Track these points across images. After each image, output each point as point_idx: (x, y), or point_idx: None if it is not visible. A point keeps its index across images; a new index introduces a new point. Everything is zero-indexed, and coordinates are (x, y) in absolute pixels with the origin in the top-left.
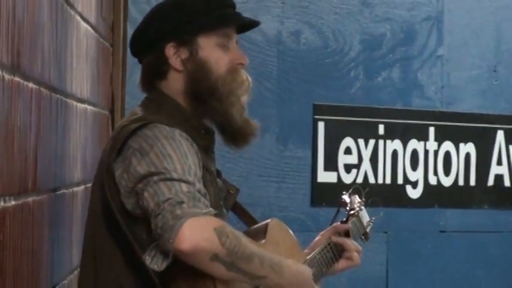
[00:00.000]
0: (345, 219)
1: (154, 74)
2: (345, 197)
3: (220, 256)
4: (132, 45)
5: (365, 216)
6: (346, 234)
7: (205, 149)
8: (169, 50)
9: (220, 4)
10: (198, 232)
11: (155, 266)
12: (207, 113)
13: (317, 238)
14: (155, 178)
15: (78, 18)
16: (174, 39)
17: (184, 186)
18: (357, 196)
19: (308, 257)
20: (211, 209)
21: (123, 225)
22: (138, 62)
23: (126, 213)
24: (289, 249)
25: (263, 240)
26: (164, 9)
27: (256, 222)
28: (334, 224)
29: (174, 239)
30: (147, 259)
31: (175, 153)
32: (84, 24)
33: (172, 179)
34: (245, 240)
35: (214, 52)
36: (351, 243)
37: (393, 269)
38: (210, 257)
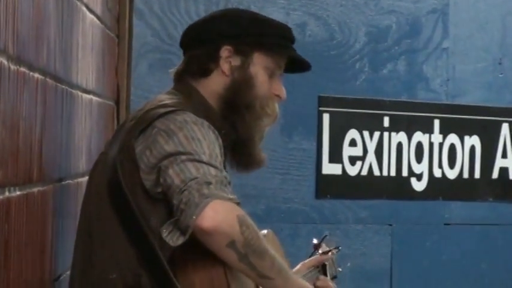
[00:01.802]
0: (325, 251)
1: (199, 68)
2: (316, 241)
3: (236, 244)
4: (187, 34)
5: (335, 263)
6: (323, 266)
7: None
8: (224, 52)
9: (288, 35)
10: (221, 214)
11: (171, 241)
12: (235, 121)
13: (298, 266)
14: (183, 157)
15: (84, 9)
16: (232, 44)
17: (212, 170)
18: (326, 242)
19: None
20: (235, 197)
21: (131, 200)
22: (183, 53)
23: (141, 191)
24: None
25: None
26: (238, 14)
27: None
28: (315, 256)
29: (197, 215)
30: (164, 232)
31: (205, 139)
32: (89, 15)
33: (201, 161)
34: (262, 237)
35: (262, 73)
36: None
37: (397, 261)
38: (228, 242)
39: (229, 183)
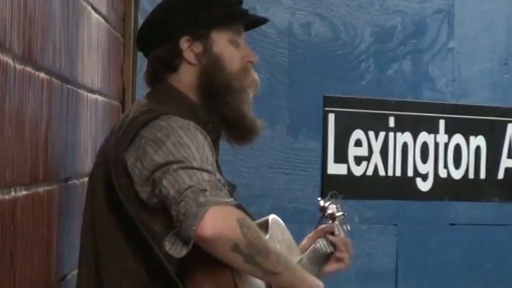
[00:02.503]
0: (330, 221)
1: (165, 66)
2: (322, 202)
3: (240, 247)
4: (141, 37)
5: (344, 222)
6: (332, 234)
7: (213, 144)
8: (184, 44)
9: (230, 1)
10: (221, 220)
11: (174, 253)
12: (219, 108)
13: (304, 241)
14: (174, 166)
15: (90, 9)
16: (188, 33)
17: (205, 175)
18: (332, 202)
19: (304, 255)
20: (232, 199)
21: (133, 215)
22: (144, 55)
23: (138, 203)
24: (288, 246)
25: (267, 236)
26: (177, 3)
27: (253, 219)
28: (321, 226)
29: (197, 225)
30: (167, 245)
31: (193, 143)
32: (95, 15)
33: (192, 168)
34: (263, 236)
35: (227, 48)
36: (340, 240)
37: (403, 261)
38: (231, 246)
39: (224, 185)
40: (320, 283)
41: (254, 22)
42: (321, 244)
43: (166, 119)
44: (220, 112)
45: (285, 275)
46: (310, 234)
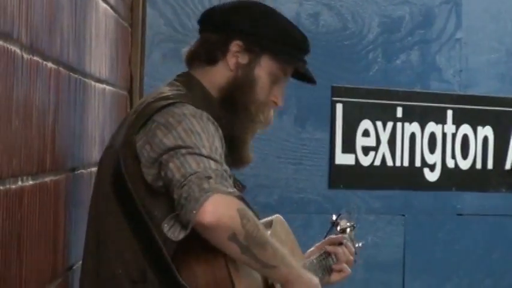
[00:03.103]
0: (340, 233)
1: (207, 54)
2: (334, 217)
3: (238, 237)
4: (207, 16)
5: (355, 238)
6: (340, 245)
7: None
8: (234, 46)
9: (303, 46)
10: (222, 208)
11: (172, 236)
12: (231, 118)
13: (312, 248)
14: (183, 151)
15: None
16: (244, 41)
17: (212, 164)
18: (345, 219)
19: (306, 260)
20: (235, 190)
21: (136, 198)
22: (199, 30)
23: (143, 186)
24: (291, 249)
25: (268, 233)
26: (260, 11)
27: (258, 218)
28: (329, 237)
29: (198, 210)
30: (165, 227)
31: (204, 132)
32: (103, 4)
33: (201, 155)
34: (263, 228)
35: (266, 77)
36: (343, 253)
37: (410, 251)
38: (229, 235)
39: (230, 176)
40: (316, 281)
41: (302, 75)
42: (327, 254)
43: (181, 106)
44: (231, 121)
45: (280, 269)
46: (318, 244)
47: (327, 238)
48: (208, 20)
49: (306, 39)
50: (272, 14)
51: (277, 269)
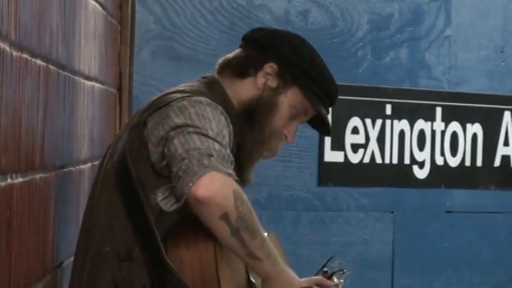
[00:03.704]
0: (329, 276)
1: (240, 66)
2: (326, 269)
3: (230, 217)
4: (256, 34)
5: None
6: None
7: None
8: (269, 67)
9: (332, 95)
10: (217, 185)
11: (164, 206)
12: (245, 131)
13: (302, 280)
14: (190, 129)
15: None
16: (279, 66)
17: (216, 145)
18: (337, 276)
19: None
20: (234, 174)
21: (134, 178)
22: (240, 45)
23: (145, 166)
24: None
25: None
26: (305, 46)
27: None
28: (320, 277)
29: (194, 183)
30: (159, 196)
31: (214, 119)
32: (92, 2)
33: (207, 136)
34: (255, 215)
35: (287, 109)
36: None
37: (399, 249)
38: (221, 214)
39: (232, 162)
40: (298, 282)
41: (320, 121)
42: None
43: (198, 96)
44: (243, 133)
45: (265, 263)
46: (307, 278)
47: (317, 277)
48: (254, 37)
49: (336, 88)
50: (315, 55)
51: (262, 263)
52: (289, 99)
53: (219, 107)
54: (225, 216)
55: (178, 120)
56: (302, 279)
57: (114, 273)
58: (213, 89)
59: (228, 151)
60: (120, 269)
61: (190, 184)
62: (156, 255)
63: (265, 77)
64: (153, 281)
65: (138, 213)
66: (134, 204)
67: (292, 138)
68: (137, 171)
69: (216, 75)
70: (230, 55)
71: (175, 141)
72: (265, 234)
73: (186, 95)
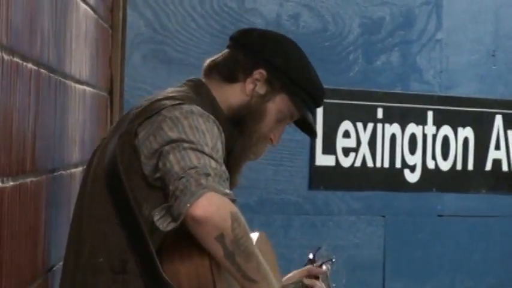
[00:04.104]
0: (319, 263)
1: (229, 70)
2: (311, 255)
3: (225, 239)
4: (244, 36)
5: (329, 279)
6: (316, 278)
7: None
8: (258, 74)
9: (319, 99)
10: (215, 206)
11: (161, 226)
12: (235, 136)
13: (289, 274)
14: (185, 145)
15: None
16: (269, 73)
17: (213, 162)
18: (323, 256)
19: (284, 285)
20: (232, 193)
21: (127, 188)
22: (229, 45)
23: (137, 178)
24: (271, 266)
25: None
26: (294, 51)
27: None
28: (308, 267)
29: (192, 203)
30: (156, 215)
31: (208, 132)
32: (83, 6)
33: (202, 152)
34: (251, 239)
35: (274, 115)
36: (321, 286)
37: (390, 252)
38: (217, 235)
39: (228, 179)
40: None
41: (306, 124)
42: (305, 286)
43: (189, 105)
44: (233, 138)
45: (261, 285)
46: (296, 271)
47: (306, 267)
48: (243, 40)
49: (323, 94)
50: (304, 60)
51: (258, 285)
52: (277, 105)
53: (211, 116)
54: (220, 237)
55: (173, 134)
56: (292, 272)
57: (109, 285)
58: (200, 93)
59: (224, 167)
60: (115, 281)
61: (188, 205)
62: (151, 268)
63: (254, 82)
64: None
65: (131, 223)
66: (127, 214)
67: (278, 141)
68: (129, 181)
69: (203, 77)
70: (218, 57)
71: (171, 157)
72: (255, 233)
73: (177, 102)
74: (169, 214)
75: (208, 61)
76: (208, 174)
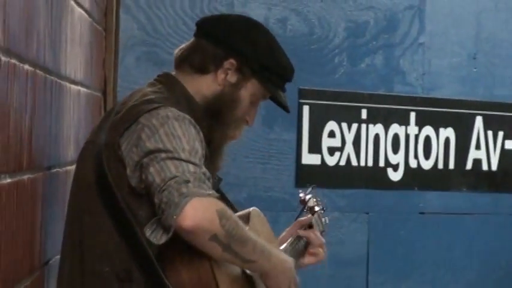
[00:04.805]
0: (310, 213)
1: (199, 62)
2: (302, 195)
3: (218, 237)
4: (210, 24)
5: (322, 215)
6: (310, 227)
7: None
8: (227, 64)
9: (289, 77)
10: (201, 212)
11: (154, 239)
12: (212, 126)
13: (283, 234)
14: (163, 155)
15: (73, 3)
16: (238, 62)
17: (191, 167)
18: (312, 196)
19: (281, 248)
20: (214, 192)
21: (120, 199)
22: (195, 34)
23: (127, 188)
24: (267, 238)
25: (247, 227)
26: (260, 34)
27: (236, 210)
28: (298, 219)
29: (178, 215)
30: (148, 231)
31: (184, 135)
32: (78, 9)
33: (180, 159)
34: (242, 225)
35: (248, 99)
36: (315, 237)
37: (374, 248)
38: (210, 237)
39: (209, 178)
40: (290, 264)
41: (278, 101)
42: (299, 238)
43: (164, 109)
44: (210, 128)
45: (260, 262)
46: (289, 228)
47: (296, 221)
48: (209, 30)
49: (292, 70)
50: (271, 42)
51: (257, 263)
52: (249, 90)
53: (186, 116)
54: (214, 237)
55: (150, 145)
56: (284, 231)
57: None
58: (174, 90)
59: (203, 168)
60: None
61: (175, 217)
62: (154, 275)
63: (225, 72)
64: None
65: (130, 234)
66: (123, 223)
67: (253, 122)
68: (120, 191)
69: (175, 69)
70: (185, 47)
71: (151, 169)
72: (247, 209)
73: (153, 107)
74: (160, 227)
75: (177, 52)
76: (187, 181)
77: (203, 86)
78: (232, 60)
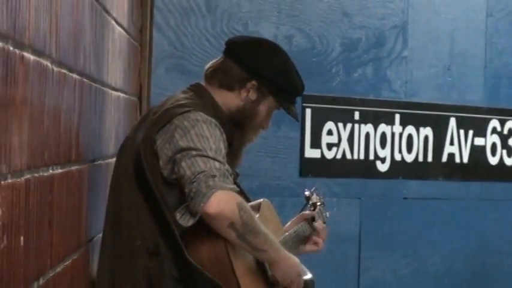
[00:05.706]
0: (312, 208)
1: (227, 81)
2: (307, 193)
3: (235, 225)
4: (238, 47)
5: (324, 210)
6: (312, 220)
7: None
8: (249, 84)
9: (299, 93)
10: (223, 202)
11: (183, 222)
12: (235, 130)
13: (288, 224)
14: (194, 153)
15: (113, 22)
16: (259, 83)
17: (217, 164)
18: (315, 194)
19: (286, 234)
20: (235, 186)
21: (153, 186)
22: (225, 53)
23: (159, 177)
24: (275, 226)
25: (257, 215)
26: (280, 61)
27: (249, 200)
28: (302, 212)
29: (204, 203)
30: (178, 215)
31: (211, 136)
32: (118, 28)
33: (208, 156)
34: (257, 220)
35: (265, 112)
36: (322, 229)
37: (365, 228)
38: (228, 224)
39: (231, 174)
40: (297, 261)
41: (290, 113)
42: (302, 227)
43: (194, 113)
44: (233, 132)
45: (269, 252)
46: (294, 218)
47: (300, 214)
48: (236, 52)
49: (303, 88)
50: (288, 65)
51: (267, 252)
52: (266, 105)
53: (213, 120)
54: (232, 225)
55: (182, 144)
56: (289, 221)
57: (146, 264)
58: (203, 98)
59: (227, 166)
60: (151, 261)
61: (202, 204)
62: (179, 251)
63: (247, 91)
64: (181, 274)
65: (160, 215)
66: (155, 205)
67: (267, 127)
68: (153, 179)
69: (204, 81)
70: (216, 64)
71: (183, 164)
72: (259, 200)
73: (185, 110)
74: (188, 212)
75: (208, 67)
76: (214, 176)
77: (228, 100)
78: (254, 82)
